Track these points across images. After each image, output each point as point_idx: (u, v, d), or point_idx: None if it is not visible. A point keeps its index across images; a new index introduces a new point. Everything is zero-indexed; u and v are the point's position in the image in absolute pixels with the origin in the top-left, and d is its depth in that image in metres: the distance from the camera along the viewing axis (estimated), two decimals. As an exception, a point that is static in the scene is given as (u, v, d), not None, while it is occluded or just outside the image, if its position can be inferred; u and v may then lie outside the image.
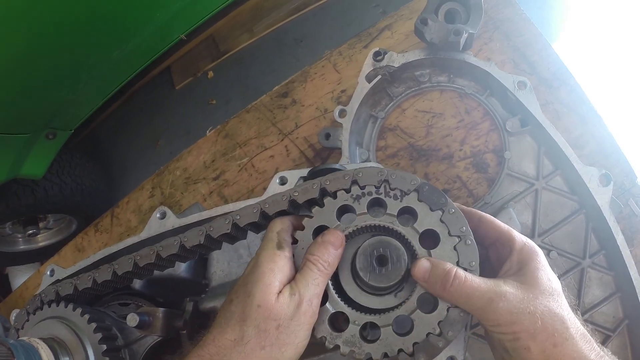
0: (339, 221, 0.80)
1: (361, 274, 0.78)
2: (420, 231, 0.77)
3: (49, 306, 1.02)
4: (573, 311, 0.73)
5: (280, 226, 0.81)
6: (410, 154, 1.27)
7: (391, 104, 1.28)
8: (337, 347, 0.77)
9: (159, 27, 2.39)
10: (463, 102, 1.25)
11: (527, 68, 1.26)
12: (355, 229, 0.79)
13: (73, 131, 2.67)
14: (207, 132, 1.52)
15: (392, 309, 0.77)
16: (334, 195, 0.80)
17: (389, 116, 1.29)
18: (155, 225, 1.03)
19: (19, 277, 3.41)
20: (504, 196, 1.17)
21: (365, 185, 0.79)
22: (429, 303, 0.77)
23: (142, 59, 2.55)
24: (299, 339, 0.74)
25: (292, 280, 0.77)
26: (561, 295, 0.73)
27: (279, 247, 0.78)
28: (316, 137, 1.36)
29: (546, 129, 1.11)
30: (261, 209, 0.84)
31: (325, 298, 0.79)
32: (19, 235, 3.17)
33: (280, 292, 0.74)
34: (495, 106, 1.22)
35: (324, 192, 0.82)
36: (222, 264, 1.10)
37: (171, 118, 3.33)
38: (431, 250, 0.76)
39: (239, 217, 0.85)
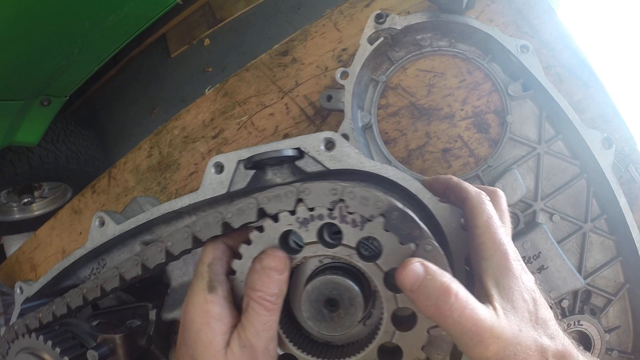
0: (284, 249, 0.63)
1: (310, 323, 0.63)
2: (386, 270, 0.60)
3: (23, 337, 0.99)
4: (556, 320, 0.62)
5: (212, 255, 0.68)
6: (411, 112, 1.26)
7: (392, 68, 1.26)
8: None
9: (155, -9, 2.37)
10: (465, 63, 1.24)
11: (529, 30, 1.24)
12: (302, 262, 0.65)
13: (67, 98, 2.65)
14: (206, 90, 1.51)
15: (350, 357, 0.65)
16: (274, 217, 0.63)
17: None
18: (97, 235, 0.96)
19: (14, 246, 3.40)
20: (507, 160, 1.17)
21: (314, 207, 0.61)
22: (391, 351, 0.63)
23: (137, 24, 2.52)
24: None
25: (237, 323, 0.64)
26: (538, 318, 0.60)
27: (210, 288, 0.65)
28: (316, 95, 1.35)
29: (549, 92, 1.09)
30: (192, 234, 0.70)
31: None
32: (14, 204, 3.18)
33: (227, 344, 0.63)
34: (496, 71, 1.21)
35: (263, 213, 0.64)
36: (179, 262, 1.01)
37: (167, 86, 3.29)
38: (397, 295, 0.60)
39: (170, 244, 0.72)
